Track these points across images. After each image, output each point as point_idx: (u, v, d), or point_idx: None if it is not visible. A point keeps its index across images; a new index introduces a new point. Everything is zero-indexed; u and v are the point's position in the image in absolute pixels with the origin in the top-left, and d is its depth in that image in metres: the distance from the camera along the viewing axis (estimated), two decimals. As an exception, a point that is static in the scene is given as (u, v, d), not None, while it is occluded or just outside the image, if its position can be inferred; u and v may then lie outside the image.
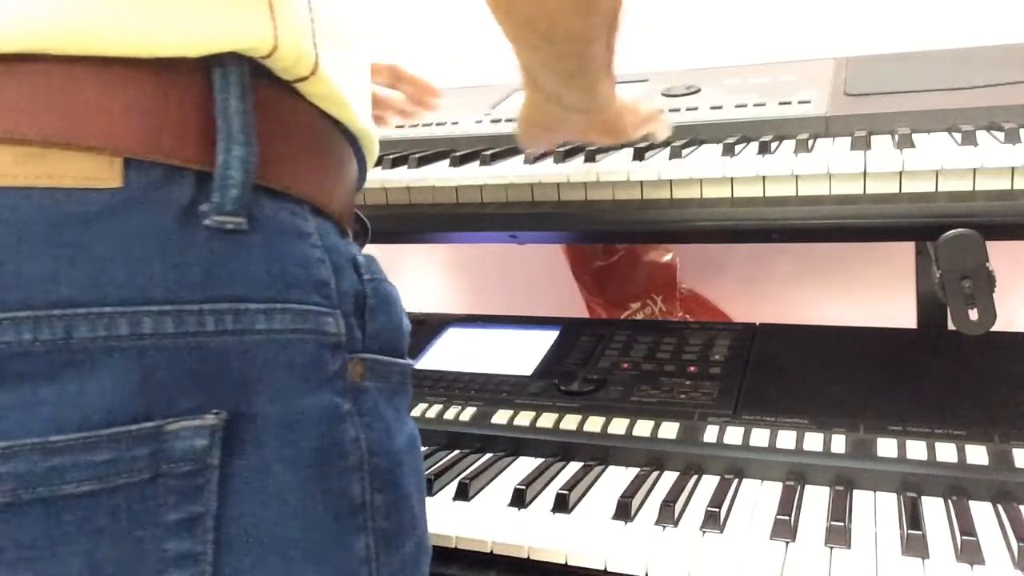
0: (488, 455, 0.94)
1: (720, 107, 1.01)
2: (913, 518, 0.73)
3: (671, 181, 0.83)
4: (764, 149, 0.84)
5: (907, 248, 1.18)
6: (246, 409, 0.42)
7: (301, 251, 0.45)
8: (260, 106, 0.43)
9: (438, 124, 1.15)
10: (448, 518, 0.80)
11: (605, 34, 0.61)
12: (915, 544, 0.69)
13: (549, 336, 1.14)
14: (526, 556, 0.74)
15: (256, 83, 0.43)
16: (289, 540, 0.43)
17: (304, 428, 0.44)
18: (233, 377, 0.41)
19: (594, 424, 0.93)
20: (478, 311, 1.34)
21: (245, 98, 0.42)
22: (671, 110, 1.03)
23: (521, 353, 1.11)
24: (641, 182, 0.84)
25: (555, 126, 0.77)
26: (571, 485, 0.82)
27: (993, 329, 0.73)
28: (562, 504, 0.80)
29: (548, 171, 0.88)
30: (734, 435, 0.88)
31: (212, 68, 0.41)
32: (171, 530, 0.40)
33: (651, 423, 0.92)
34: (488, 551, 0.76)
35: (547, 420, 0.96)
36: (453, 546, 0.77)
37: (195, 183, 0.41)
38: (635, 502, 0.79)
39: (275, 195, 0.44)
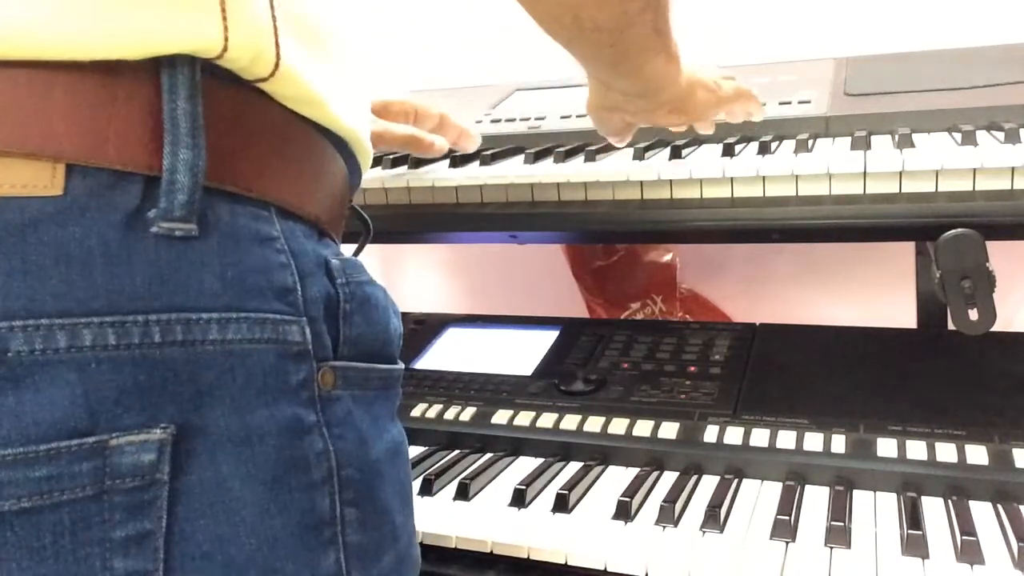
0: (488, 455, 0.94)
1: (720, 107, 1.01)
2: (913, 518, 0.73)
3: (671, 181, 0.83)
4: (764, 149, 0.84)
5: (907, 248, 1.18)
6: (199, 423, 0.40)
7: (261, 256, 0.43)
8: (216, 106, 0.41)
9: (438, 124, 1.14)
10: (448, 518, 0.80)
11: (649, 16, 0.59)
12: (915, 544, 0.69)
13: (549, 336, 1.14)
14: (526, 556, 0.74)
15: (212, 83, 0.41)
16: (246, 558, 0.42)
17: (262, 442, 0.43)
18: (183, 390, 0.40)
19: (594, 424, 0.93)
20: (478, 311, 1.34)
21: (194, 99, 0.40)
22: (671, 110, 1.03)
23: (521, 353, 1.11)
24: (641, 182, 0.84)
25: (619, 108, 0.76)
26: (571, 485, 0.82)
27: (993, 329, 0.73)
28: (562, 504, 0.80)
29: (548, 171, 0.88)
30: (734, 435, 0.88)
31: (161, 69, 0.40)
32: (118, 548, 0.38)
33: (651, 423, 0.92)
34: (488, 551, 0.76)
35: (547, 420, 0.96)
36: (453, 546, 0.77)
37: (143, 189, 0.39)
38: (635, 502, 0.79)
39: (234, 198, 0.43)
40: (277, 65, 0.43)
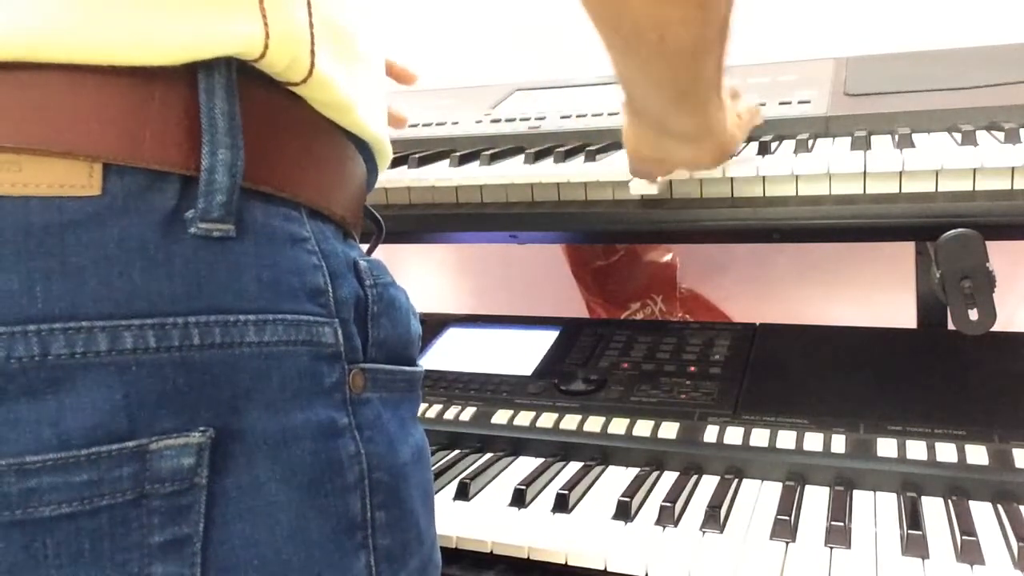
0: (488, 455, 0.94)
1: (720, 107, 1.01)
2: (913, 518, 0.73)
3: (671, 181, 0.83)
4: (764, 149, 0.84)
5: (907, 248, 1.18)
6: (236, 426, 0.40)
7: (295, 258, 0.43)
8: (251, 106, 0.41)
9: (438, 124, 1.14)
10: (448, 518, 0.80)
11: (719, 49, 0.59)
12: (915, 544, 0.69)
13: (549, 336, 1.14)
14: (526, 556, 0.74)
15: (247, 82, 0.41)
16: (282, 562, 0.42)
17: (298, 445, 0.42)
18: (221, 393, 0.40)
19: (594, 424, 0.93)
20: (478, 311, 1.34)
21: (232, 99, 0.40)
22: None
23: (521, 353, 1.11)
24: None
25: (666, 159, 0.73)
26: (571, 485, 0.82)
27: (993, 329, 0.73)
28: (562, 504, 0.80)
29: (548, 171, 0.88)
30: (734, 435, 0.88)
31: (197, 68, 0.39)
32: (157, 553, 0.38)
33: (651, 423, 0.92)
34: (488, 551, 0.76)
35: (547, 420, 0.96)
36: (453, 546, 0.77)
37: (180, 189, 0.39)
38: (635, 502, 0.79)
39: (268, 199, 0.43)
40: (311, 72, 0.43)
